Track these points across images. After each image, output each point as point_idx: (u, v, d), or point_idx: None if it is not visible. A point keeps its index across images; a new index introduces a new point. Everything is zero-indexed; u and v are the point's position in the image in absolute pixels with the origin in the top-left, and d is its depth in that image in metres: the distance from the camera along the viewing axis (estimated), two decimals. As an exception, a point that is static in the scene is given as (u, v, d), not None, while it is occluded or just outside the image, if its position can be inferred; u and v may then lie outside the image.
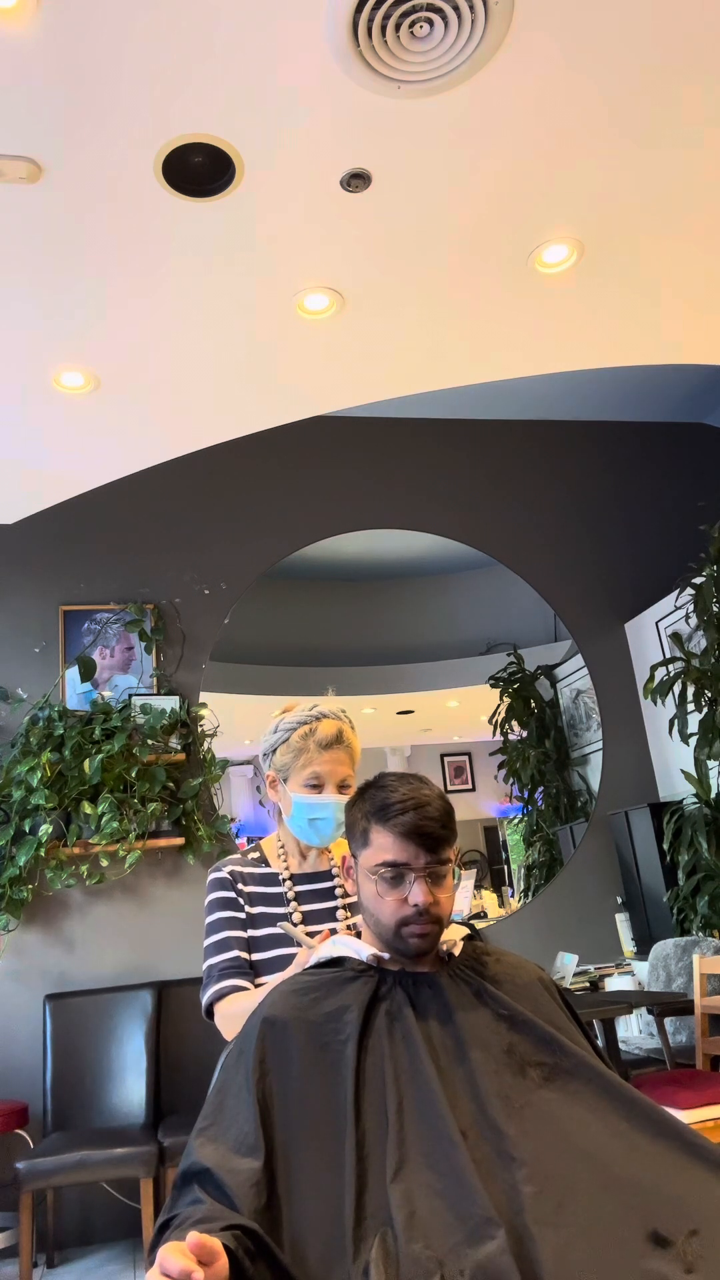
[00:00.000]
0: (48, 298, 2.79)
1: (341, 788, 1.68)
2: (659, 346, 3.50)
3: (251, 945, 1.66)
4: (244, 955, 1.64)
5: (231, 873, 1.72)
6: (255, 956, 1.65)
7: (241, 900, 1.69)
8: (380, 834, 1.26)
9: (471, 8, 2.02)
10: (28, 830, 3.78)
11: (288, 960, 1.60)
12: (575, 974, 3.94)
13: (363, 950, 1.28)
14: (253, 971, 1.64)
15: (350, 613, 4.74)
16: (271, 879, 1.72)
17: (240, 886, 1.70)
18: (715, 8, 2.13)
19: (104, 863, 3.83)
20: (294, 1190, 1.02)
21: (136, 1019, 3.69)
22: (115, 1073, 3.61)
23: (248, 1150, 1.05)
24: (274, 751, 1.73)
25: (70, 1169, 2.99)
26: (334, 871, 1.76)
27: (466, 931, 1.40)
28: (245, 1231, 0.95)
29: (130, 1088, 3.58)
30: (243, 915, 1.68)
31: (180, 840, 3.98)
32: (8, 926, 3.83)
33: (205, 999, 1.62)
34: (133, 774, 3.89)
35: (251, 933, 1.67)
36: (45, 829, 3.71)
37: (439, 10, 2.02)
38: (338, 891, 1.74)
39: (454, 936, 1.33)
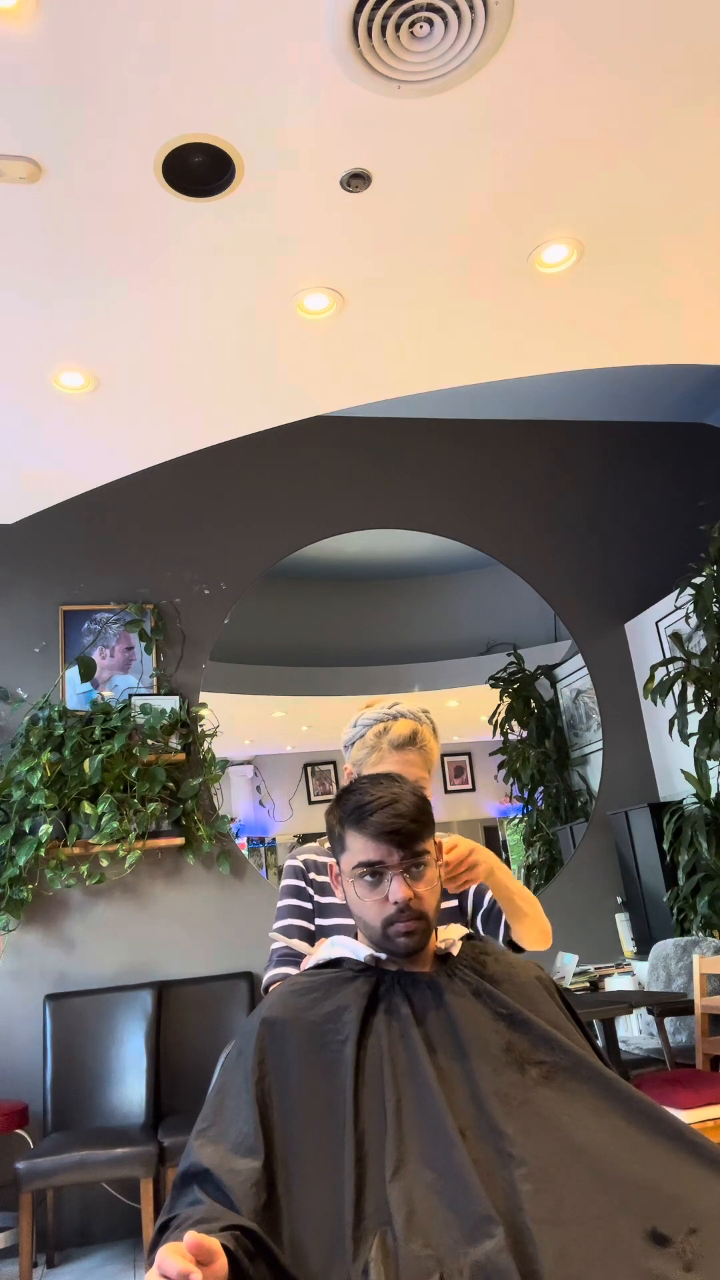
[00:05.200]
0: (48, 298, 2.79)
1: None
2: (659, 346, 3.50)
3: (319, 935, 1.67)
4: (300, 944, 1.67)
5: (305, 861, 1.73)
6: None
7: (311, 890, 1.71)
8: (355, 837, 1.26)
9: (471, 7, 2.02)
10: (28, 830, 3.78)
11: None
12: (575, 974, 3.94)
13: (360, 951, 1.28)
14: None
15: (350, 613, 4.74)
16: None
17: (312, 875, 1.72)
18: (715, 8, 2.13)
19: (104, 863, 3.83)
20: (293, 1190, 1.02)
21: (136, 1019, 3.69)
22: (115, 1073, 3.61)
23: (247, 1150, 1.05)
24: (352, 745, 1.74)
25: (70, 1169, 2.99)
26: None
27: (465, 931, 1.40)
28: (245, 1231, 0.95)
29: (130, 1088, 3.58)
30: (309, 905, 1.70)
31: (180, 840, 3.98)
32: (8, 926, 3.83)
33: (264, 981, 1.67)
34: (133, 774, 3.89)
35: (319, 922, 1.68)
36: (45, 829, 3.71)
37: (439, 10, 2.02)
38: None
39: (453, 936, 1.33)
